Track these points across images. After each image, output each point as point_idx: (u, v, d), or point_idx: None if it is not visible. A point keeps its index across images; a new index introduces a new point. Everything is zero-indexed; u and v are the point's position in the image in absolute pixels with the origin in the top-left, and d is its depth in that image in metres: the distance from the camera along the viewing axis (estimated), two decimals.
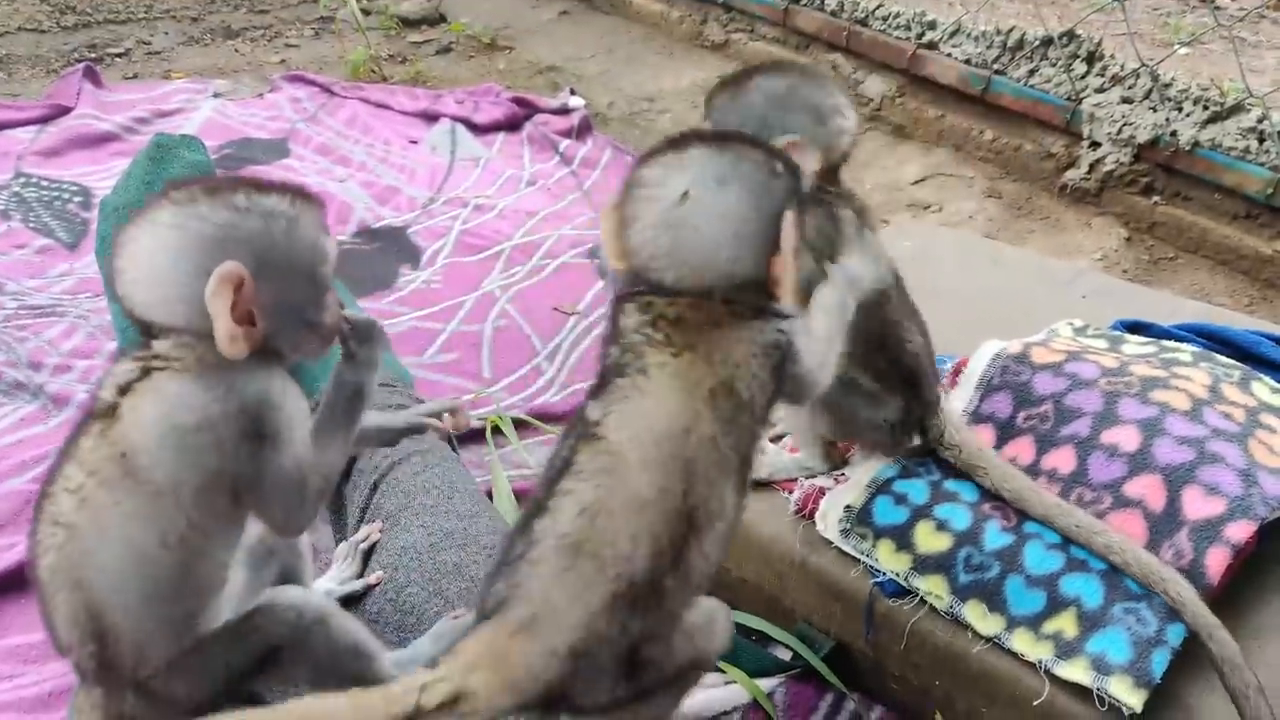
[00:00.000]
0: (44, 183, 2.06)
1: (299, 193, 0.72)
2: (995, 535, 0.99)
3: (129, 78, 2.70)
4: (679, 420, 0.70)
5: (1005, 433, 1.11)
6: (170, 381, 0.68)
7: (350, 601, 0.99)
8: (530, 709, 0.67)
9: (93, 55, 2.83)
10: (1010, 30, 2.32)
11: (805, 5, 2.75)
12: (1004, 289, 1.51)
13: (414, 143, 2.45)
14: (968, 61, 2.37)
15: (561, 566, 0.66)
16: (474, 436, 1.48)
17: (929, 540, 1.00)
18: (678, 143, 0.77)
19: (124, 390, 0.68)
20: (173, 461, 0.67)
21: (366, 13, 3.25)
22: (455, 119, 2.54)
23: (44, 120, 2.32)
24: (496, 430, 1.48)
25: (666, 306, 0.74)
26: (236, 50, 3.02)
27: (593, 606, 0.66)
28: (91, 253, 1.80)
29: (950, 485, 1.05)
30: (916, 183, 2.36)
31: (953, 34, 2.42)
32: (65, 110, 2.36)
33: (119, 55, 2.88)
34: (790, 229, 0.75)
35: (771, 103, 0.95)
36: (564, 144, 2.46)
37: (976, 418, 1.14)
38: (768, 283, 0.75)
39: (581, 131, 2.54)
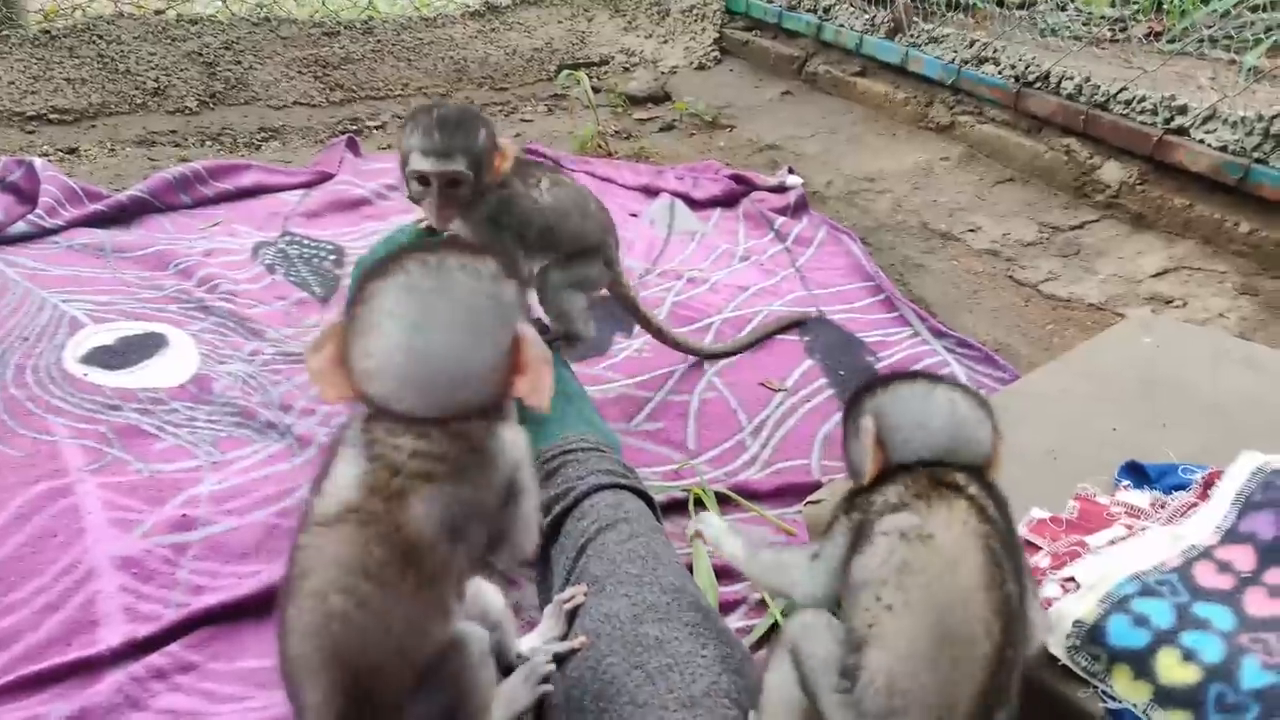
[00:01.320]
0: (305, 241, 2.28)
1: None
2: (1255, 673, 0.87)
3: (383, 148, 2.96)
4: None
5: (1268, 557, 0.99)
6: (445, 483, 0.72)
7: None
8: None
9: (354, 127, 3.12)
10: (1274, 117, 2.14)
11: (1039, 88, 2.66)
12: (1262, 395, 1.37)
13: (634, 215, 2.54)
14: (1223, 148, 2.20)
15: None
16: (676, 508, 1.48)
17: (1174, 671, 0.90)
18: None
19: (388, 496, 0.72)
20: (450, 548, 0.71)
21: (597, 90, 3.42)
22: (675, 194, 2.61)
23: (310, 185, 2.58)
24: (699, 503, 1.47)
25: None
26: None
27: None
28: (339, 307, 1.97)
29: (1200, 610, 0.94)
30: (1157, 275, 2.19)
31: (1206, 119, 2.26)
32: (328, 176, 2.61)
33: (377, 127, 3.17)
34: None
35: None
36: (779, 221, 2.48)
37: (1233, 537, 1.02)
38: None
39: (797, 209, 2.54)
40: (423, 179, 1.33)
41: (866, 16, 3.24)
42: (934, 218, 2.54)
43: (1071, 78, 2.58)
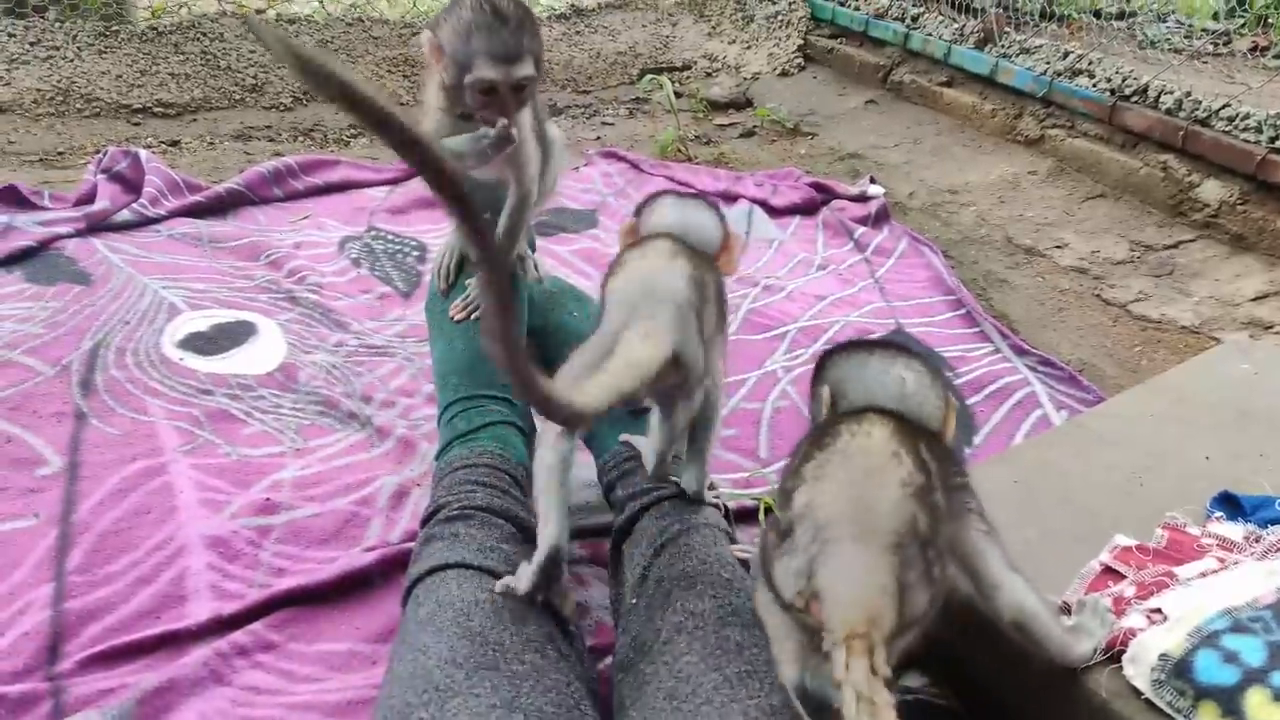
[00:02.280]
0: (390, 236, 2.33)
1: None
2: None
3: None
4: None
5: None
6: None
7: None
8: None
9: None
10: None
11: (1136, 102, 2.58)
12: None
13: None
14: None
15: None
16: (746, 516, 1.48)
17: (1264, 711, 0.86)
18: None
19: None
20: None
21: (678, 95, 3.43)
22: (753, 200, 2.60)
23: (395, 182, 2.64)
24: (769, 511, 1.47)
25: None
26: (559, 125, 3.28)
27: None
28: (421, 302, 2.01)
29: None
30: (1256, 299, 2.11)
31: None
32: (413, 174, 2.66)
33: None
34: None
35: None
36: (859, 231, 2.45)
37: None
38: None
39: (878, 219, 2.51)
40: (489, 88, 1.23)
41: (955, 26, 3.19)
42: (1019, 232, 2.49)
43: (1171, 92, 2.50)
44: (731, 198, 2.64)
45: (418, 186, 2.57)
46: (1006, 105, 2.99)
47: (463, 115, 1.31)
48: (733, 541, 1.20)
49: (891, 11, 3.45)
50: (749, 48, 3.80)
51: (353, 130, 3.10)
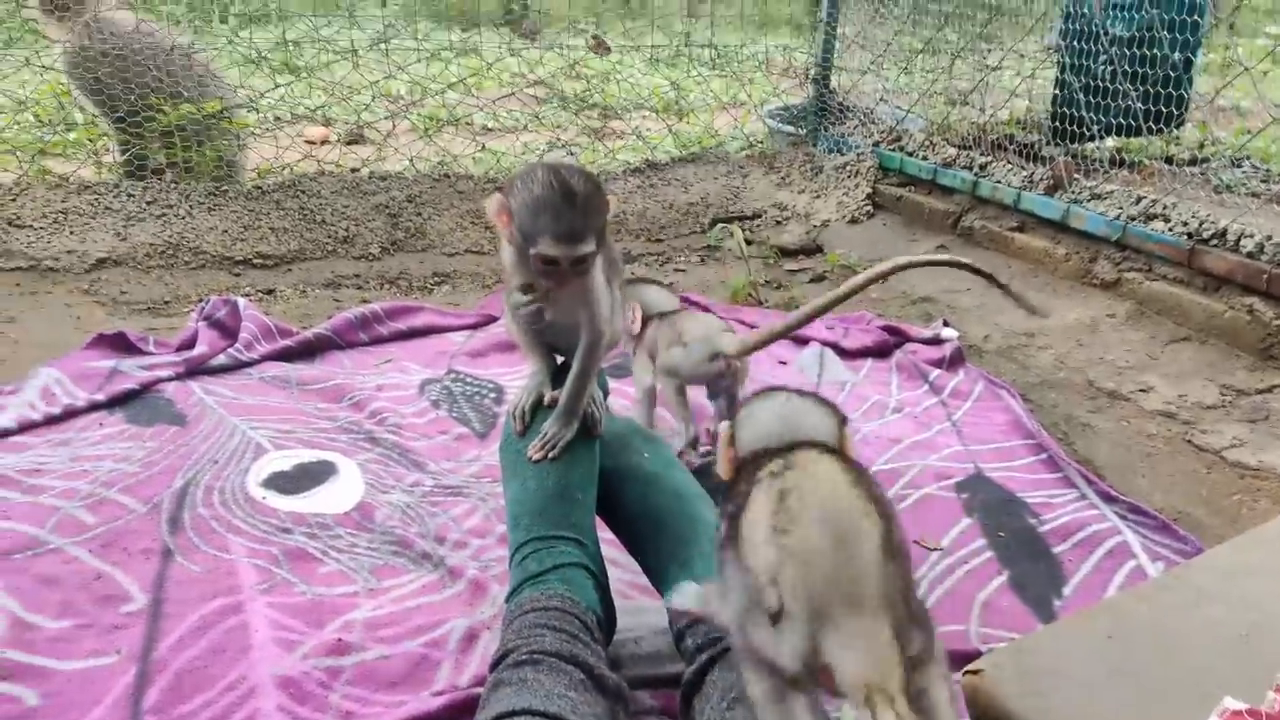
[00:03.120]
0: (468, 379, 2.40)
1: None
2: None
3: None
4: None
5: None
6: None
7: None
8: None
9: None
10: None
11: (1215, 245, 2.56)
12: None
13: (783, 363, 2.55)
14: None
15: None
16: None
17: None
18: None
19: None
20: None
21: (749, 242, 3.52)
22: (825, 343, 2.62)
23: (475, 327, 2.73)
24: None
25: None
26: (633, 272, 3.38)
27: None
28: (496, 443, 2.05)
29: None
30: None
31: None
32: (492, 319, 2.76)
33: None
34: None
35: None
36: (934, 374, 2.44)
37: None
38: None
39: (953, 362, 2.50)
40: (551, 262, 1.35)
41: (1024, 173, 3.23)
42: (1101, 376, 2.44)
43: (1251, 235, 2.48)
44: (802, 340, 2.66)
45: (496, 331, 2.66)
46: (1080, 249, 2.99)
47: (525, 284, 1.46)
48: None
49: (959, 160, 3.52)
50: (818, 196, 3.90)
51: (436, 278, 3.24)
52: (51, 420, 2.03)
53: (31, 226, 3.10)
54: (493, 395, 2.32)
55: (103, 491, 1.79)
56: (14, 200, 3.18)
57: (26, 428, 1.99)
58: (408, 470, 1.96)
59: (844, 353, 2.58)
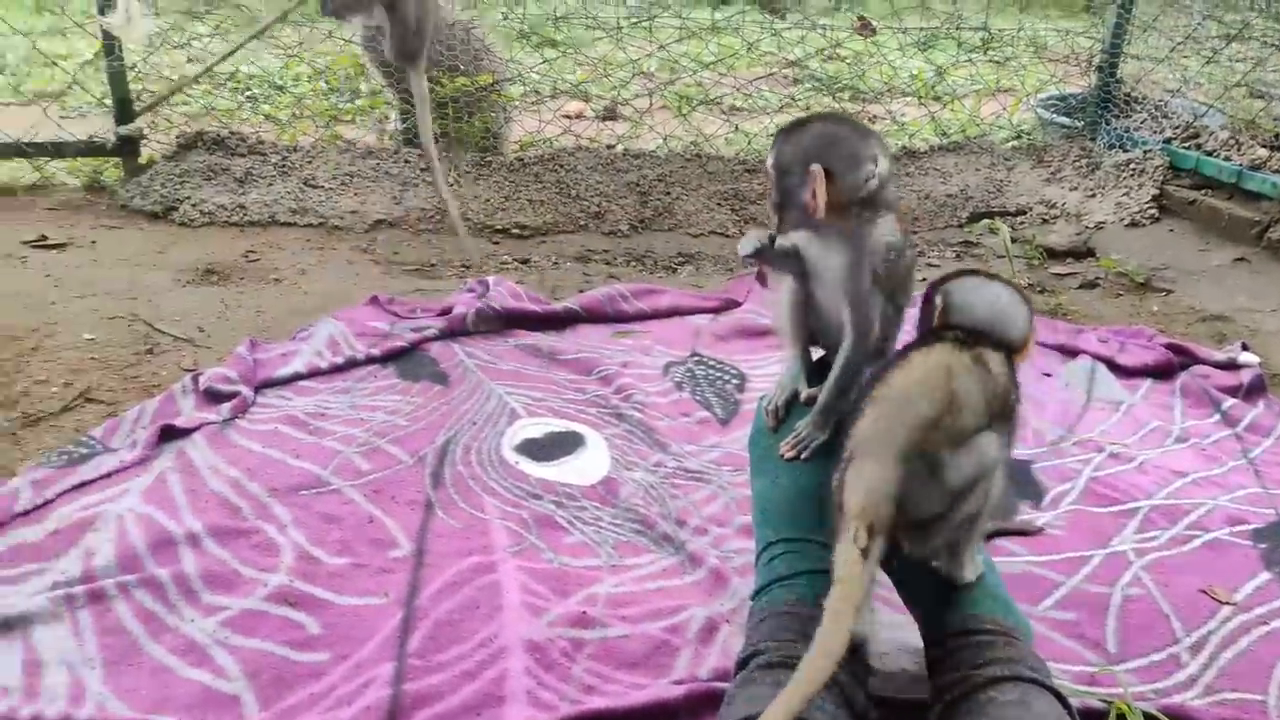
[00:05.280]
0: (711, 362, 2.39)
1: None
2: None
3: None
4: None
5: None
6: None
7: None
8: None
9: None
10: None
11: None
12: None
13: (1048, 375, 2.37)
14: None
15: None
16: (1089, 717, 1.30)
17: None
18: None
19: None
20: None
21: (1014, 240, 3.29)
22: (1097, 357, 2.40)
23: (718, 310, 2.71)
24: (1121, 718, 1.28)
25: None
26: None
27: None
28: (740, 430, 2.03)
29: None
30: None
31: None
32: (736, 304, 2.73)
33: None
34: None
35: (816, 142, 1.33)
36: (1228, 403, 2.18)
37: None
38: None
39: (1252, 392, 2.22)
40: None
41: None
42: None
43: None
44: (1071, 352, 2.45)
45: (740, 315, 2.64)
46: None
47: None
48: None
49: (1270, 163, 3.13)
50: (1093, 195, 3.59)
51: (680, 258, 3.25)
52: (335, 369, 2.21)
53: (323, 187, 3.39)
54: (735, 381, 2.30)
55: (375, 440, 1.92)
56: (310, 162, 3.49)
57: (314, 374, 2.17)
58: (650, 449, 1.97)
59: (1119, 369, 2.35)
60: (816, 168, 1.32)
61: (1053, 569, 1.64)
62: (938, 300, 1.28)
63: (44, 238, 2.99)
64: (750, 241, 1.42)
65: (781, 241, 1.43)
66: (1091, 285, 3.01)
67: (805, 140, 1.36)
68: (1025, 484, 1.89)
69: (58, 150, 3.43)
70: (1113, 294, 2.94)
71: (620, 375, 2.26)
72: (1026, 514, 1.80)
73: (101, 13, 3.19)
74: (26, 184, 3.45)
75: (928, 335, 1.26)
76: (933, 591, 1.31)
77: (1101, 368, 2.37)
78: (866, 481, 1.11)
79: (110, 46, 3.30)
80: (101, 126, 3.50)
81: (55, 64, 4.26)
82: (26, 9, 5.64)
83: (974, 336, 1.21)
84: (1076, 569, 1.63)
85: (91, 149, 3.44)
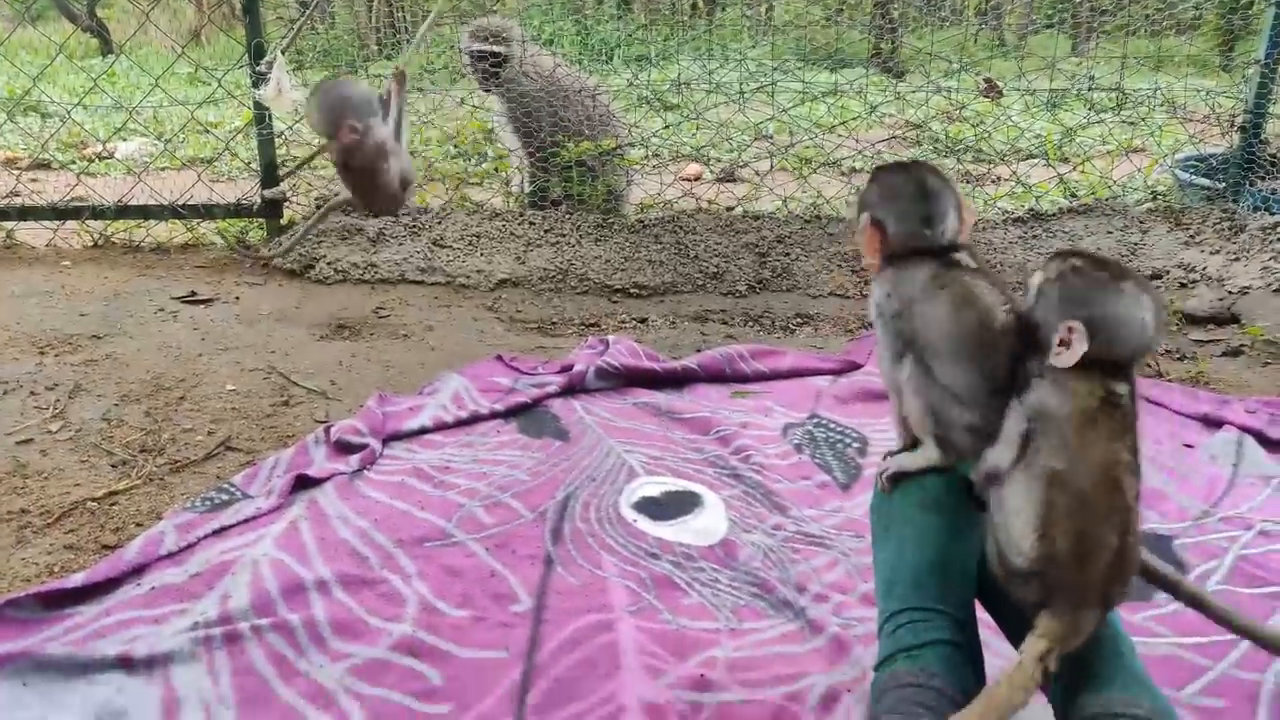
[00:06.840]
0: (832, 425, 2.36)
1: None
2: None
3: None
4: None
5: None
6: None
7: None
8: None
9: None
10: None
11: None
12: None
13: (1189, 446, 2.25)
14: None
15: None
16: None
17: None
18: None
19: None
20: None
21: None
22: (1244, 429, 2.27)
23: (838, 372, 2.69)
24: None
25: None
26: None
27: None
28: (861, 495, 1.99)
29: None
30: None
31: None
32: (856, 366, 2.70)
33: None
34: None
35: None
36: None
37: None
38: None
39: None
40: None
41: None
42: None
43: None
44: (1215, 423, 2.33)
45: (860, 378, 2.60)
46: None
47: None
48: None
49: None
50: (1236, 259, 3.42)
51: (799, 319, 3.24)
52: (460, 423, 2.28)
53: (451, 247, 3.53)
54: (856, 445, 2.26)
55: (498, 494, 1.97)
56: (439, 223, 3.65)
57: (440, 427, 2.25)
58: (769, 512, 1.95)
59: (1269, 443, 2.22)
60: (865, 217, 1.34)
61: (1198, 653, 1.54)
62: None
63: (193, 293, 3.20)
64: None
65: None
66: (1236, 353, 2.85)
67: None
68: (1166, 562, 1.78)
69: (208, 212, 3.68)
70: (1260, 363, 2.78)
71: (739, 435, 2.26)
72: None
73: (255, 85, 3.44)
74: (179, 243, 3.71)
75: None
76: (1069, 670, 1.25)
77: (1250, 440, 2.23)
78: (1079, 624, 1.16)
79: (260, 116, 3.54)
80: (248, 189, 3.75)
81: (208, 131, 4.61)
82: (183, 80, 6.12)
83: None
84: (1226, 653, 1.53)
85: (239, 211, 3.68)
